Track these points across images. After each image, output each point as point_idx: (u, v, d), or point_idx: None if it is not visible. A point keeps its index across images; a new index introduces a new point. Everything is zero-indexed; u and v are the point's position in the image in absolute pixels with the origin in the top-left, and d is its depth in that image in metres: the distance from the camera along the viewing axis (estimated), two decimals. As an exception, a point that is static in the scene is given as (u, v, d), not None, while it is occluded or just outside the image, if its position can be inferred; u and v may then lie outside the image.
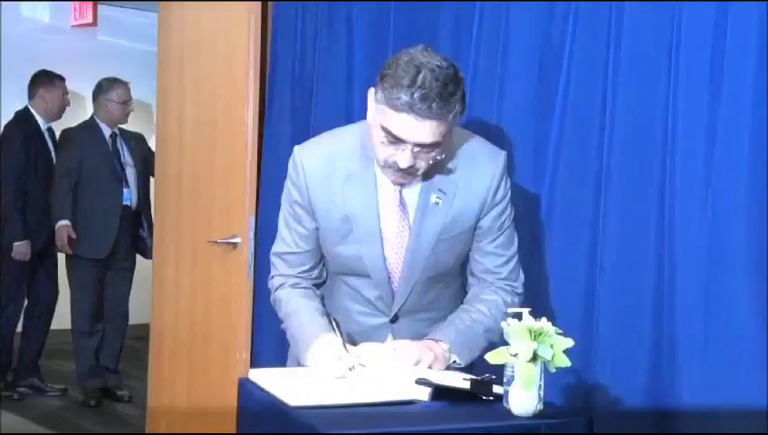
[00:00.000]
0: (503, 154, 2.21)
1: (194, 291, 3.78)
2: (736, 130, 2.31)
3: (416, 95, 1.92)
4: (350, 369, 1.99)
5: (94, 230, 5.30)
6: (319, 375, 2.01)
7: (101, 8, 7.34)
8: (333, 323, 2.11)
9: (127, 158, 5.46)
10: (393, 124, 1.97)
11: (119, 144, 5.46)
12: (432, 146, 2.00)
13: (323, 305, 2.24)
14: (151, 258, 5.51)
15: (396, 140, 1.99)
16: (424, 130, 1.96)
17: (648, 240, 2.53)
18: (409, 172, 2.05)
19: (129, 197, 5.41)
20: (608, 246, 2.62)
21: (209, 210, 3.70)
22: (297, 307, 2.20)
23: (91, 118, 5.49)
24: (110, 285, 5.51)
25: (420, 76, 1.93)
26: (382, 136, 2.01)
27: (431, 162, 2.04)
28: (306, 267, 2.25)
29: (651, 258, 2.51)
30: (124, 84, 5.50)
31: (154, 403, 4.05)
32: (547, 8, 2.79)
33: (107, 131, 5.43)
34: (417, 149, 1.99)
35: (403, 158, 2.00)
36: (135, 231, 5.51)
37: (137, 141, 5.63)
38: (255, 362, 3.46)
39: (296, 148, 2.21)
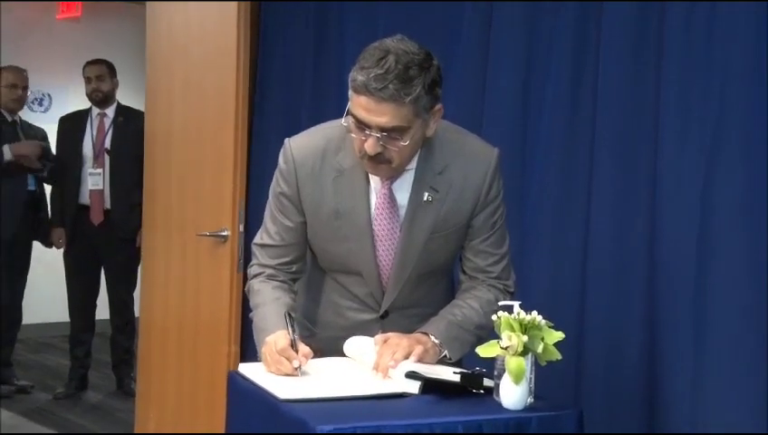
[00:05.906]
0: (496, 151, 2.18)
1: (183, 284, 3.77)
2: (729, 131, 2.31)
3: (371, 75, 1.92)
4: (297, 368, 1.96)
5: None
6: (268, 370, 2.00)
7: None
8: (287, 320, 2.06)
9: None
10: (355, 107, 1.97)
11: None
12: (396, 131, 1.97)
13: (294, 301, 2.21)
14: (48, 245, 5.44)
15: (360, 125, 1.98)
16: (382, 112, 1.94)
17: (637, 234, 2.54)
18: (381, 162, 2.02)
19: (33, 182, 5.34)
20: (597, 241, 2.62)
21: (198, 203, 3.69)
22: (265, 299, 2.17)
23: None
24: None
25: (383, 60, 1.93)
26: (351, 121, 2.00)
27: (398, 149, 1.99)
28: (285, 260, 2.22)
29: (641, 252, 2.52)
30: None
31: (143, 396, 4.04)
32: (534, 6, 2.79)
33: None
34: (381, 135, 1.96)
35: (369, 144, 1.98)
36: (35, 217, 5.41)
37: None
38: (245, 356, 3.45)
39: (288, 140, 2.19)
